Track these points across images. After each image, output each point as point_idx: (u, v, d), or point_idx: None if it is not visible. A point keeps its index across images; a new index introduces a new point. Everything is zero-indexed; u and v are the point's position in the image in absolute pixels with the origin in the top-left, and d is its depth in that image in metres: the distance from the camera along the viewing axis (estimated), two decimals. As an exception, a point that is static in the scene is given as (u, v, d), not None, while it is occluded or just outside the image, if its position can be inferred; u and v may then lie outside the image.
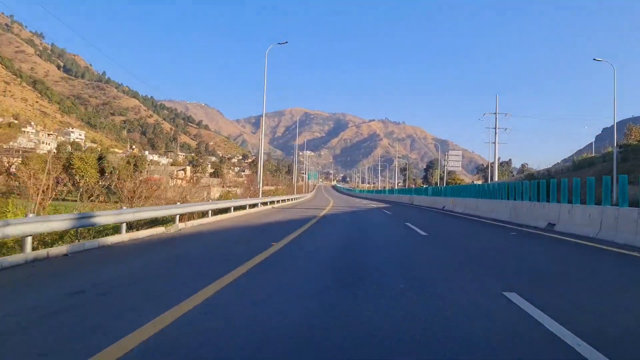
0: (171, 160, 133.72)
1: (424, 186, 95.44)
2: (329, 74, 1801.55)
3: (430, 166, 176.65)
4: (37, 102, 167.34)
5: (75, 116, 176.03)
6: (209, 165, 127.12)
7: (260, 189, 26.88)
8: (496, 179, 75.19)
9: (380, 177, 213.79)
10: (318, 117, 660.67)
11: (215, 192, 44.66)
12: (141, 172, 62.01)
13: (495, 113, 73.32)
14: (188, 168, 70.17)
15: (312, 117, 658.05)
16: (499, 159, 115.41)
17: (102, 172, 58.76)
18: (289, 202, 34.46)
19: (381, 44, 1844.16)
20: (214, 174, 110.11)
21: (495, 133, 73.87)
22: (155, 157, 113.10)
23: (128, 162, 59.03)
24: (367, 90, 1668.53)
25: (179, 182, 54.79)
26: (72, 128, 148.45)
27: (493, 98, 75.49)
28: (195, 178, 72.23)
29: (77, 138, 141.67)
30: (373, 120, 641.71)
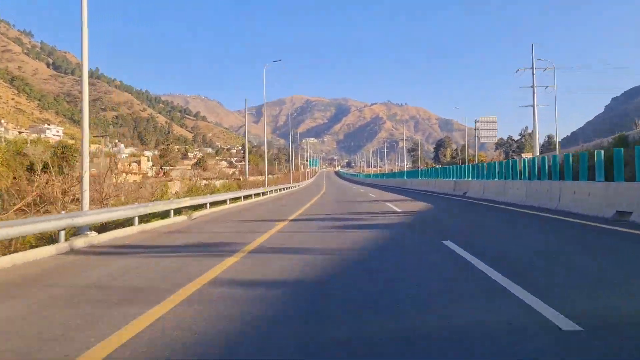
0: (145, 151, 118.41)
1: (437, 166, 77.45)
2: (328, 60, 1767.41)
3: (441, 145, 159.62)
4: (12, 99, 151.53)
5: (54, 112, 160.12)
6: (200, 155, 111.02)
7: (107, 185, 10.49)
8: (537, 153, 57.41)
9: (386, 160, 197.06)
10: (319, 104, 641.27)
11: (184, 187, 29.70)
12: (72, 166, 46.42)
13: (531, 68, 56.08)
14: (144, 159, 54.11)
15: (313, 104, 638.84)
16: (526, 130, 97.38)
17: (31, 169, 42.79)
18: (226, 206, 18.13)
19: (378, 25, 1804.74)
20: (197, 165, 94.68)
21: (533, 93, 56.60)
22: (128, 150, 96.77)
23: (54, 155, 43.25)
24: (368, 73, 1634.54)
25: (129, 176, 39.41)
26: (48, 124, 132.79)
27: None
28: (162, 171, 56.26)
29: (54, 135, 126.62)
30: (375, 103, 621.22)
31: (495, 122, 47.63)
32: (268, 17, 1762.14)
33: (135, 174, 45.06)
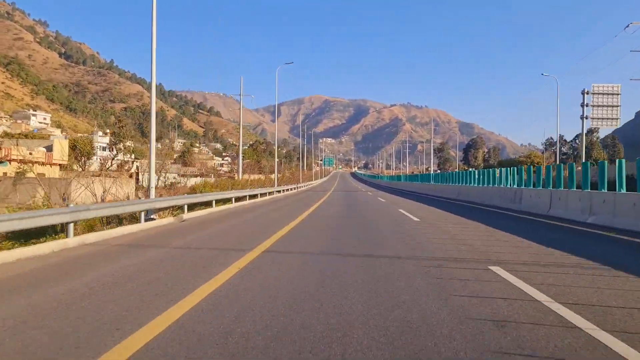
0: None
1: (468, 169, 55.11)
2: (348, 60, 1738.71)
3: (472, 146, 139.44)
4: (3, 82, 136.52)
5: (45, 98, 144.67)
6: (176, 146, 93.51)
7: None
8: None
9: (408, 162, 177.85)
10: (338, 104, 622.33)
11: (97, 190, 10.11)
12: None
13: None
14: (59, 143, 35.95)
15: (332, 104, 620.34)
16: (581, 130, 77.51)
17: None
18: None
19: (401, 26, 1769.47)
20: (182, 158, 77.20)
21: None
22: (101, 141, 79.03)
23: None
24: (388, 74, 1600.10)
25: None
26: (33, 110, 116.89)
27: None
28: (104, 165, 37.51)
29: (40, 122, 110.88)
30: (395, 104, 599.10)
31: (618, 94, 27.93)
32: (289, 17, 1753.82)
33: (30, 163, 27.10)
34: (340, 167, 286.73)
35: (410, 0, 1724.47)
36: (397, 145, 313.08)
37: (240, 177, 40.97)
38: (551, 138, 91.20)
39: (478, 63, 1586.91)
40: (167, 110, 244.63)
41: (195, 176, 55.26)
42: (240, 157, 47.80)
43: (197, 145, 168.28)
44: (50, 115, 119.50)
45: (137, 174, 35.47)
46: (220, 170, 71.18)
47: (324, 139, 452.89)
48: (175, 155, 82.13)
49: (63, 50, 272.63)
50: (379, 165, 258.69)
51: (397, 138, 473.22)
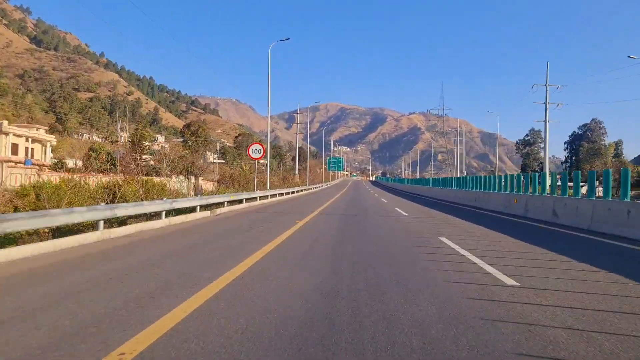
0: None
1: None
2: (366, 67, 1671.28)
3: (583, 136, 77.30)
4: None
5: None
6: None
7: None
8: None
9: (431, 170, 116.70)
10: (354, 112, 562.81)
11: None
12: None
13: None
14: None
15: (348, 112, 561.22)
16: None
17: None
18: None
19: (420, 33, 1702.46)
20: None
21: None
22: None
23: None
24: (407, 83, 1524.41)
25: None
26: None
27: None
28: None
29: None
30: (413, 113, 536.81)
31: None
32: (305, 22, 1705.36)
33: None
34: (355, 174, 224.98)
35: (431, 8, 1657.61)
36: (416, 155, 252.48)
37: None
38: None
39: (500, 72, 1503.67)
40: (146, 102, 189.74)
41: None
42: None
43: (149, 140, 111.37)
44: None
45: None
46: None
47: (339, 147, 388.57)
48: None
49: (36, 36, 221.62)
50: (400, 174, 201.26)
51: (416, 147, 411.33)
